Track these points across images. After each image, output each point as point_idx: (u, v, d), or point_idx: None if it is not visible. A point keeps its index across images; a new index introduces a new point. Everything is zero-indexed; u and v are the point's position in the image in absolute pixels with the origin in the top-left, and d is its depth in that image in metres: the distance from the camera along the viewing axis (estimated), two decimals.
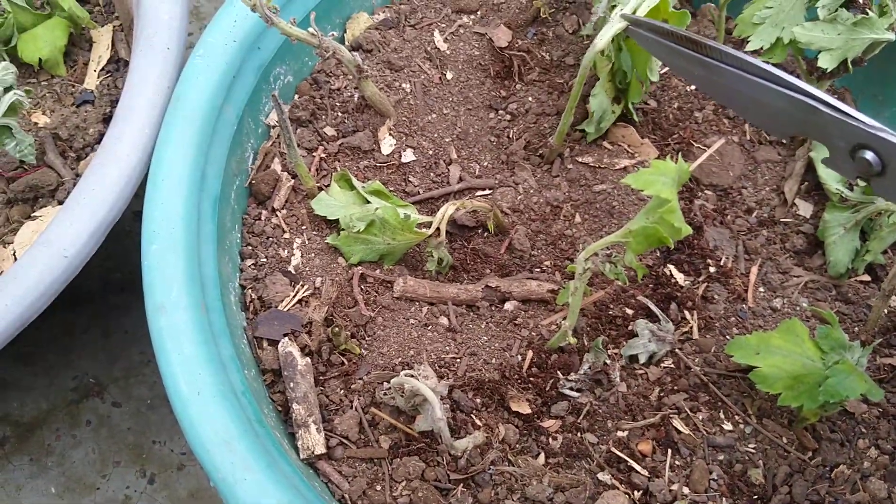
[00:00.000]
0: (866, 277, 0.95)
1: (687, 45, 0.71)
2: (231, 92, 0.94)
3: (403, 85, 1.03)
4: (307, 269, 0.91)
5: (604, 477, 0.81)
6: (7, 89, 0.96)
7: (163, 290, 0.79)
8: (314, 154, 0.99)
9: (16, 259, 0.98)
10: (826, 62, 0.89)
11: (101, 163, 0.89)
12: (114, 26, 1.19)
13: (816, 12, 0.90)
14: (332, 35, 0.90)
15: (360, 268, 0.92)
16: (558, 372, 0.87)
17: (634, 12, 0.87)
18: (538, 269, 0.95)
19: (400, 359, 0.86)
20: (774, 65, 0.66)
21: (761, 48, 0.94)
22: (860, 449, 0.84)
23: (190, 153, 0.88)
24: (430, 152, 1.00)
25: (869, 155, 0.63)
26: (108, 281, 1.23)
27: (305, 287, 0.89)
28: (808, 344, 0.80)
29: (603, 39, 0.87)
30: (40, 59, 1.13)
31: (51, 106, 1.12)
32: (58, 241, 0.84)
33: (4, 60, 1.09)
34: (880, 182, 0.65)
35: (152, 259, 0.81)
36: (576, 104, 0.94)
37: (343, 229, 0.92)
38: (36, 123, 1.09)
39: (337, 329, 0.85)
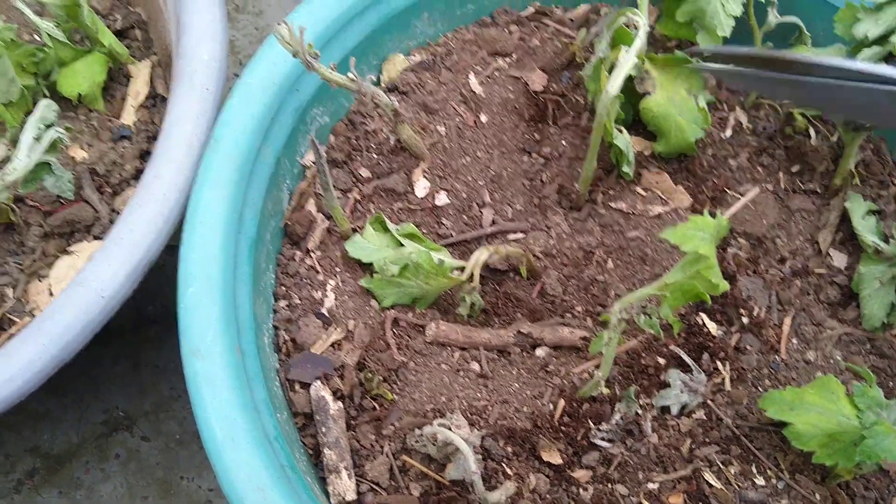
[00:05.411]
0: None
1: (770, 67, 0.68)
2: (269, 133, 0.95)
3: (438, 127, 1.03)
4: (340, 311, 0.91)
5: None
6: (48, 126, 0.97)
7: (199, 334, 0.79)
8: (349, 195, 0.99)
9: (51, 294, 0.99)
10: None
11: (140, 202, 0.89)
12: (152, 62, 1.21)
13: None
14: (371, 78, 0.90)
15: (392, 311, 0.92)
16: (590, 421, 0.86)
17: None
18: (570, 315, 0.94)
19: (432, 405, 0.86)
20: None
21: None
22: None
23: (228, 194, 0.88)
24: (464, 195, 1.01)
25: None
26: (140, 314, 1.23)
27: (339, 330, 0.89)
28: (843, 401, 0.79)
29: (615, 85, 0.87)
30: (79, 94, 1.14)
31: (88, 140, 1.13)
32: (96, 280, 0.84)
33: (46, 97, 1.11)
34: None
35: (189, 302, 0.81)
36: (596, 153, 0.94)
37: (376, 272, 0.93)
38: (73, 158, 1.10)
39: (370, 374, 0.85)
